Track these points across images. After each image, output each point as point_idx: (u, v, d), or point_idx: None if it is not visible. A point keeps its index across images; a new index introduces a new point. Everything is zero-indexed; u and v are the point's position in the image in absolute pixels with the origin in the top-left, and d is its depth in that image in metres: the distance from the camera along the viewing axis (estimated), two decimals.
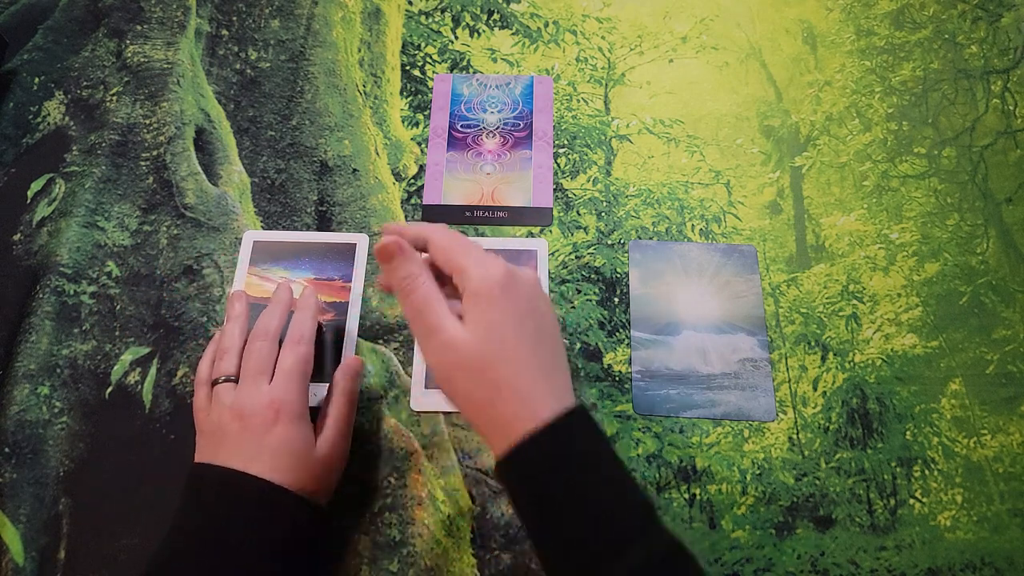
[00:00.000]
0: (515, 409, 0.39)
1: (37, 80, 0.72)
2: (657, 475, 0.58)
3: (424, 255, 0.44)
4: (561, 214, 0.68)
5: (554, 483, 0.38)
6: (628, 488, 0.39)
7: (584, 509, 0.37)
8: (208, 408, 0.48)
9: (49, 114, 0.70)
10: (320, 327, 0.60)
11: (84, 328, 0.61)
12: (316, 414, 0.51)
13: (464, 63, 0.76)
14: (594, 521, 0.37)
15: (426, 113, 0.73)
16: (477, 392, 0.40)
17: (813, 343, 0.63)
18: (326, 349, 0.60)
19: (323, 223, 0.67)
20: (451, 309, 0.41)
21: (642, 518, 0.38)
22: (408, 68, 0.76)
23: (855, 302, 0.65)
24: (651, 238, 0.67)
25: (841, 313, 0.64)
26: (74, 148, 0.69)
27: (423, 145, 0.71)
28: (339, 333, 0.60)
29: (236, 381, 0.49)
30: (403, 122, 0.73)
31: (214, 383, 0.49)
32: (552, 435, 0.38)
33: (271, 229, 0.66)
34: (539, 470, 0.38)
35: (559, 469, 0.38)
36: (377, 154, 0.71)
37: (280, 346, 0.50)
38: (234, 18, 0.77)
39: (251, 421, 0.46)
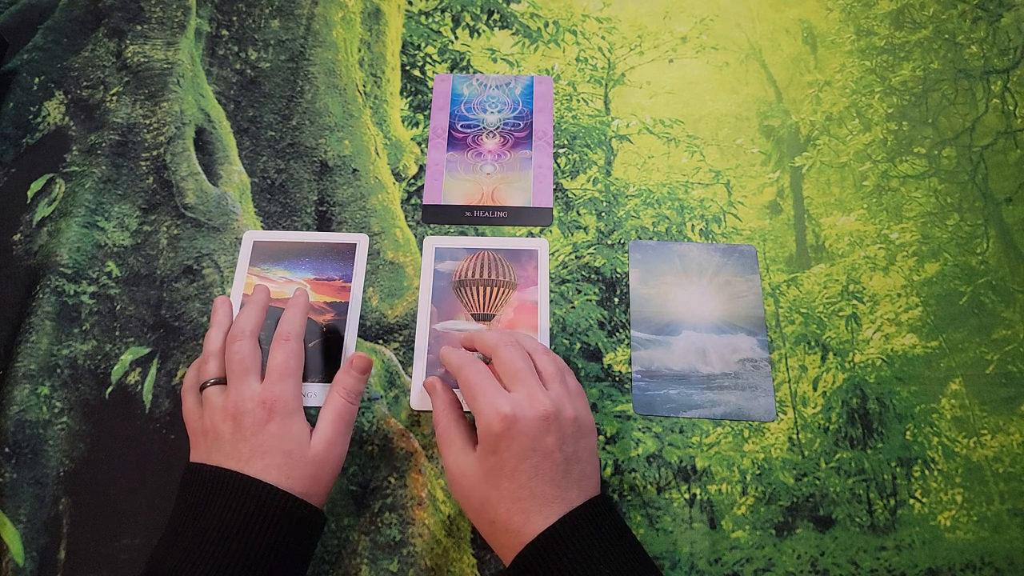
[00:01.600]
0: (510, 542, 0.43)
1: (37, 80, 0.72)
2: (657, 475, 0.58)
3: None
4: (561, 214, 0.68)
5: None
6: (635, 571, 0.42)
7: None
8: (199, 412, 0.48)
9: (49, 114, 0.70)
10: (321, 327, 0.60)
11: (84, 328, 0.61)
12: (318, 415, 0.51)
13: (464, 63, 0.76)
14: None
15: (426, 113, 0.73)
16: (479, 521, 0.46)
17: (813, 343, 0.63)
18: (327, 349, 0.60)
19: (323, 223, 0.67)
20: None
21: None
22: (408, 68, 0.76)
23: (855, 302, 0.65)
24: (651, 238, 0.67)
25: (841, 313, 0.64)
26: (74, 148, 0.69)
27: (423, 145, 0.71)
28: (339, 333, 0.60)
29: (223, 383, 0.49)
30: (403, 122, 0.73)
31: (202, 388, 0.49)
32: (536, 552, 0.42)
33: (271, 229, 0.66)
34: (538, 571, 0.42)
35: (557, 566, 0.41)
36: (377, 154, 0.71)
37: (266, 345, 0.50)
38: (234, 18, 0.77)
39: (244, 420, 0.46)
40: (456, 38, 0.78)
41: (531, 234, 0.67)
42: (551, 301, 0.63)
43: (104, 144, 0.68)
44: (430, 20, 0.79)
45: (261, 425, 0.46)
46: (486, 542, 0.47)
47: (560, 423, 0.45)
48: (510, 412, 0.44)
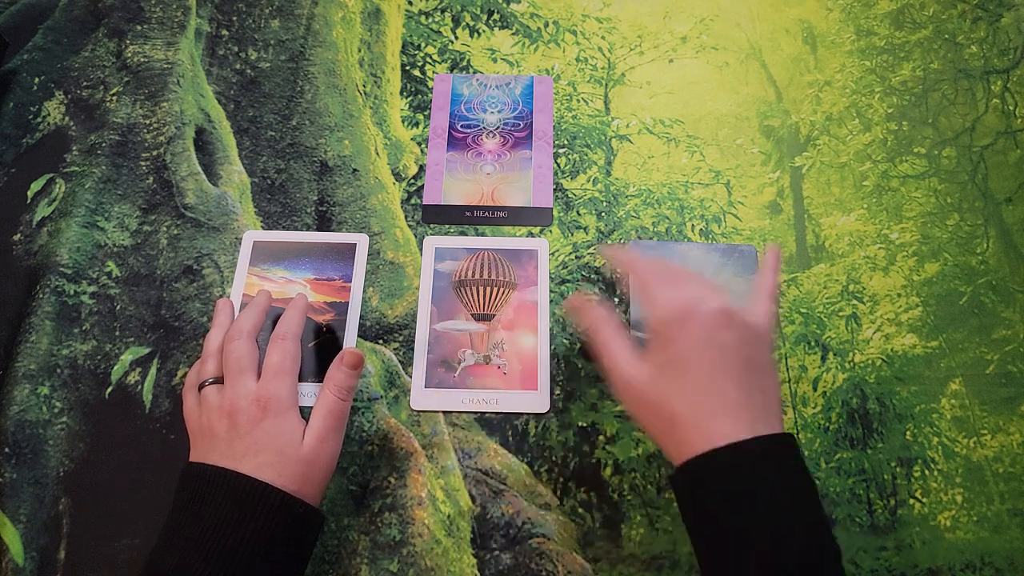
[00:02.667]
0: (691, 438, 0.41)
1: (37, 80, 0.72)
2: (657, 475, 0.58)
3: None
4: (561, 214, 0.68)
5: (717, 503, 0.40)
6: (802, 526, 0.39)
7: (747, 535, 0.38)
8: (198, 411, 0.48)
9: (49, 114, 0.70)
10: (321, 327, 0.60)
11: (84, 328, 0.61)
12: None
13: (464, 63, 0.76)
14: (758, 549, 0.38)
15: (426, 113, 0.73)
16: (655, 423, 0.44)
17: (813, 343, 0.63)
18: (326, 350, 0.60)
19: (323, 223, 0.67)
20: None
21: (819, 560, 0.38)
22: (408, 68, 0.76)
23: (855, 302, 0.65)
24: (651, 238, 0.67)
25: (841, 313, 0.64)
26: (74, 148, 0.69)
27: (423, 145, 0.71)
28: (339, 333, 0.60)
29: (222, 383, 0.49)
30: (403, 122, 0.73)
31: (200, 387, 0.49)
32: (721, 457, 0.39)
33: (271, 229, 0.66)
34: (708, 487, 0.40)
35: (727, 490, 0.39)
36: (377, 154, 0.71)
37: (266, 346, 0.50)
38: (234, 18, 0.77)
39: (239, 418, 0.46)
40: (456, 38, 0.78)
41: (531, 234, 0.67)
42: (551, 301, 0.63)
43: (104, 144, 0.68)
44: (430, 20, 0.79)
45: (255, 423, 0.46)
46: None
47: (737, 323, 0.44)
48: (686, 302, 0.43)
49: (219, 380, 0.49)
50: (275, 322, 0.52)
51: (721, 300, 0.44)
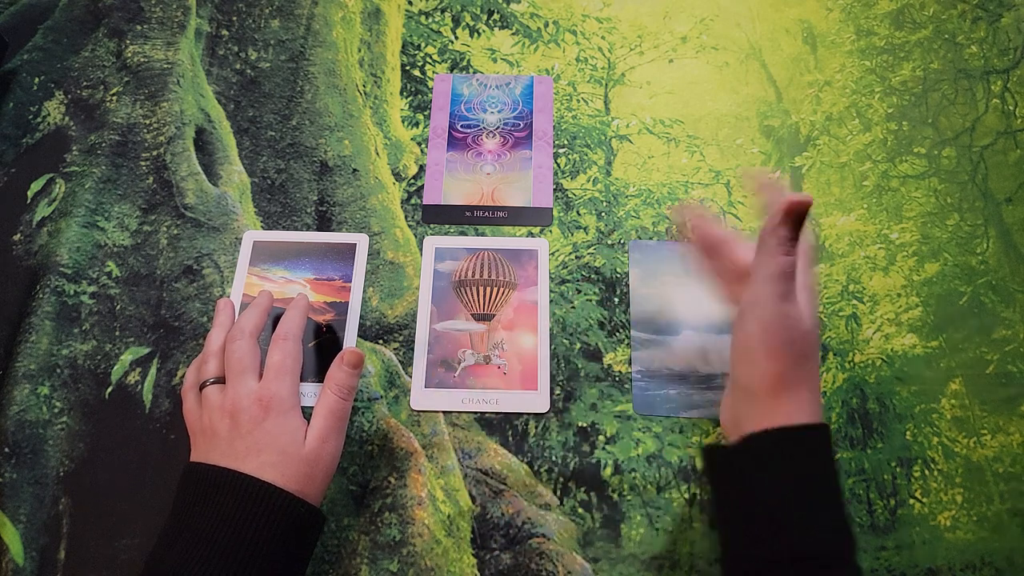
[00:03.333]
0: (806, 396, 0.43)
1: (37, 80, 0.72)
2: (657, 475, 0.58)
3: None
4: (561, 214, 0.68)
5: (782, 477, 0.42)
6: (837, 517, 0.42)
7: (790, 516, 0.41)
8: (198, 411, 0.48)
9: (49, 114, 0.70)
10: (322, 327, 0.60)
11: (84, 328, 0.61)
12: None
13: (464, 63, 0.76)
14: (799, 532, 0.41)
15: (426, 113, 0.73)
16: (791, 371, 0.44)
17: None
18: (326, 349, 0.60)
19: (323, 223, 0.67)
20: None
21: (841, 550, 0.41)
22: (408, 68, 0.76)
23: (855, 302, 0.65)
24: (651, 238, 0.67)
25: (841, 313, 0.64)
26: (74, 148, 0.69)
27: (423, 145, 0.71)
28: (338, 333, 0.60)
29: (223, 382, 0.49)
30: (403, 122, 0.73)
31: (201, 387, 0.49)
32: (810, 436, 0.43)
33: (271, 229, 0.66)
34: (782, 459, 0.42)
35: (793, 468, 0.42)
36: (377, 154, 0.71)
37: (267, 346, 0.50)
38: (234, 18, 0.77)
39: (241, 418, 0.46)
40: (456, 38, 0.78)
41: (531, 234, 0.67)
42: (551, 301, 0.63)
43: (104, 144, 0.68)
44: (430, 20, 0.79)
45: (257, 423, 0.46)
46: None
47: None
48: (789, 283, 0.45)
49: (220, 380, 0.49)
50: (276, 322, 0.52)
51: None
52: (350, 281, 0.63)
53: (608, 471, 0.58)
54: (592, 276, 0.66)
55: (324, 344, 0.60)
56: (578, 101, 0.75)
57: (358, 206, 0.68)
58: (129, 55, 0.73)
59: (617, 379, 0.61)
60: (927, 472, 0.58)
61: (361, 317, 0.62)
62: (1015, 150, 0.72)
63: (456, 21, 0.79)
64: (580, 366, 0.62)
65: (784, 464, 0.42)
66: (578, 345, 0.63)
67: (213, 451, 0.46)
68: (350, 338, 0.60)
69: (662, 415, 0.59)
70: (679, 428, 0.59)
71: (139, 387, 0.59)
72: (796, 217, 0.43)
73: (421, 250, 0.65)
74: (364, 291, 0.63)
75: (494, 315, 0.62)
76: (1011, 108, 0.74)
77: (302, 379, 0.50)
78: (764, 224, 0.45)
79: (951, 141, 0.72)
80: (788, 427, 0.43)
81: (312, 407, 0.49)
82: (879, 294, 0.65)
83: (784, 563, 0.40)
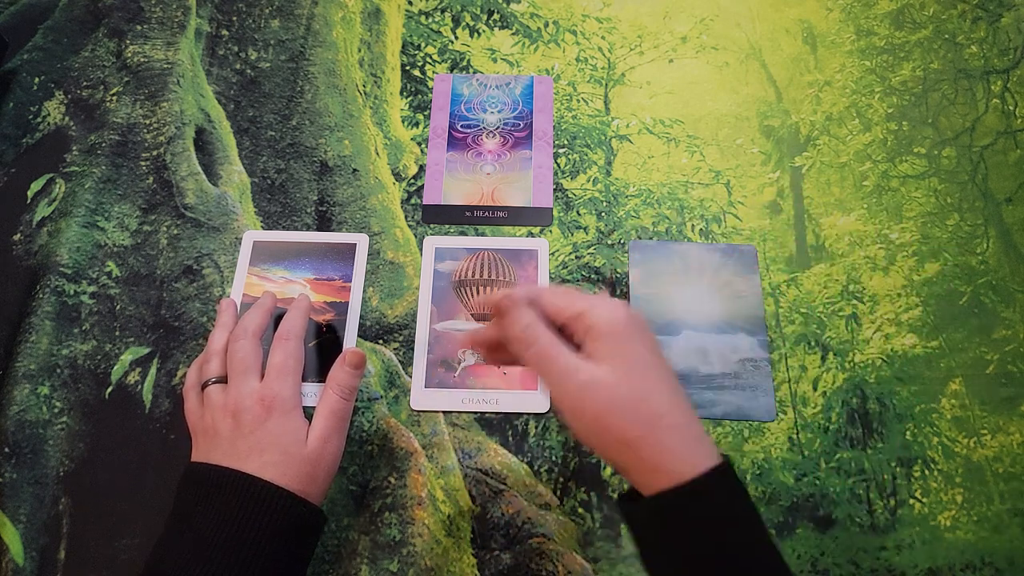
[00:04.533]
0: (672, 445, 0.38)
1: (37, 80, 0.72)
2: None
3: None
4: (561, 214, 0.68)
5: (690, 540, 0.37)
6: (762, 558, 0.38)
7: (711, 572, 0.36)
8: (200, 411, 0.48)
9: (49, 114, 0.70)
10: (322, 327, 0.60)
11: (84, 328, 0.61)
12: None
13: (464, 63, 0.76)
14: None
15: (426, 113, 0.73)
16: (632, 429, 0.38)
17: (813, 343, 0.63)
18: (326, 349, 0.60)
19: (323, 223, 0.67)
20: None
21: None
22: (408, 68, 0.76)
23: (855, 302, 0.65)
24: (651, 238, 0.67)
25: (841, 313, 0.64)
26: (74, 148, 0.69)
27: (423, 145, 0.71)
28: (338, 333, 0.60)
29: (225, 382, 0.49)
30: (403, 122, 0.73)
31: (203, 386, 0.49)
32: (695, 492, 0.37)
33: (271, 229, 0.66)
34: (678, 523, 0.37)
35: (698, 528, 0.37)
36: (377, 154, 0.71)
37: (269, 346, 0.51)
38: (234, 18, 0.77)
39: (243, 418, 0.46)
40: (456, 38, 0.78)
41: (531, 234, 0.67)
42: None
43: (104, 144, 0.68)
44: (430, 20, 0.79)
45: (259, 423, 0.46)
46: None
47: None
48: (626, 306, 0.41)
49: (222, 379, 0.49)
50: (278, 323, 0.52)
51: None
52: (350, 281, 0.63)
53: (608, 471, 0.58)
54: (592, 276, 0.66)
55: (324, 344, 0.60)
56: (578, 101, 0.75)
57: (358, 206, 0.68)
58: (129, 55, 0.73)
59: None
60: (927, 472, 0.58)
61: (361, 317, 0.62)
62: (1015, 150, 0.72)
63: (456, 21, 0.79)
64: None
65: (699, 523, 0.37)
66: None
67: (215, 451, 0.46)
68: (350, 338, 0.60)
69: None
70: None
71: (139, 387, 0.59)
72: (501, 311, 0.42)
73: (421, 250, 0.65)
74: (364, 291, 0.63)
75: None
76: (1011, 108, 0.74)
77: (303, 379, 0.50)
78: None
79: (951, 141, 0.72)
80: (684, 484, 0.37)
81: (313, 407, 0.49)
82: (879, 294, 0.65)
83: None
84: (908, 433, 0.59)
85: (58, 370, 0.59)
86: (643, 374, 0.39)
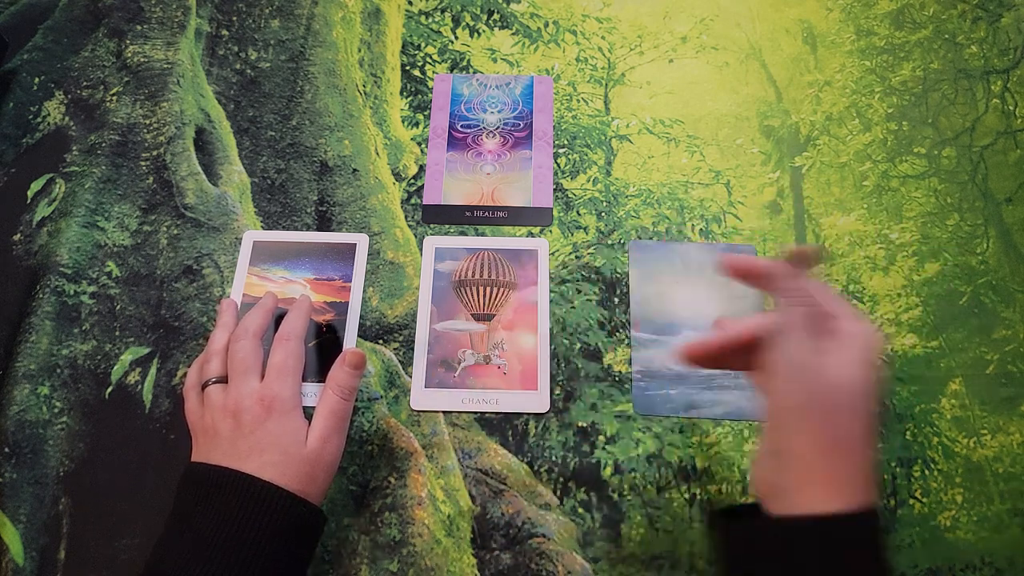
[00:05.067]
0: (853, 471, 0.37)
1: (37, 80, 0.72)
2: (657, 475, 0.58)
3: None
4: (561, 214, 0.68)
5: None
6: None
7: None
8: (200, 411, 0.48)
9: (49, 114, 0.70)
10: (322, 327, 0.60)
11: (84, 328, 0.61)
12: None
13: (464, 63, 0.76)
14: None
15: (426, 113, 0.73)
16: (834, 433, 0.38)
17: None
18: (326, 349, 0.60)
19: (323, 223, 0.67)
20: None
21: None
22: (408, 68, 0.76)
23: (855, 302, 0.65)
24: (651, 238, 0.67)
25: None
26: (74, 148, 0.69)
27: (423, 145, 0.71)
28: (338, 333, 0.60)
29: (225, 382, 0.49)
30: (403, 122, 0.73)
31: (204, 386, 0.49)
32: (853, 526, 0.36)
33: (271, 229, 0.66)
34: (817, 554, 0.36)
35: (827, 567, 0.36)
36: (377, 154, 0.71)
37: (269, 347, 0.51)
38: (234, 18, 0.77)
39: (243, 418, 0.46)
40: (456, 38, 0.78)
41: (531, 234, 0.67)
42: (551, 301, 0.63)
43: (104, 144, 0.68)
44: (430, 20, 0.79)
45: (259, 423, 0.46)
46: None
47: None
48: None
49: (223, 379, 0.49)
50: (278, 323, 0.52)
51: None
52: (350, 281, 0.63)
53: (608, 471, 0.58)
54: (592, 276, 0.66)
55: (325, 344, 0.60)
56: (578, 101, 0.75)
57: (358, 206, 0.68)
58: (129, 55, 0.73)
59: (617, 379, 0.61)
60: (927, 472, 0.58)
61: (361, 317, 0.62)
62: (1015, 150, 0.72)
63: (456, 21, 0.79)
64: (580, 366, 0.62)
65: (818, 560, 0.36)
66: (578, 345, 0.63)
67: (215, 451, 0.46)
68: (350, 338, 0.60)
69: (662, 415, 0.59)
70: (679, 428, 0.59)
71: (139, 387, 0.59)
72: (801, 261, 0.41)
73: (421, 250, 0.65)
74: (364, 291, 0.63)
75: (494, 315, 0.62)
76: (1011, 108, 0.74)
77: (303, 379, 0.50)
78: (776, 282, 0.42)
79: (951, 141, 0.72)
80: (826, 516, 0.36)
81: (313, 407, 0.49)
82: (879, 294, 0.65)
83: None
84: (908, 433, 0.59)
85: (58, 370, 0.59)
86: (867, 391, 0.38)
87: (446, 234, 0.66)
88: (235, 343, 0.50)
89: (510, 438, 0.59)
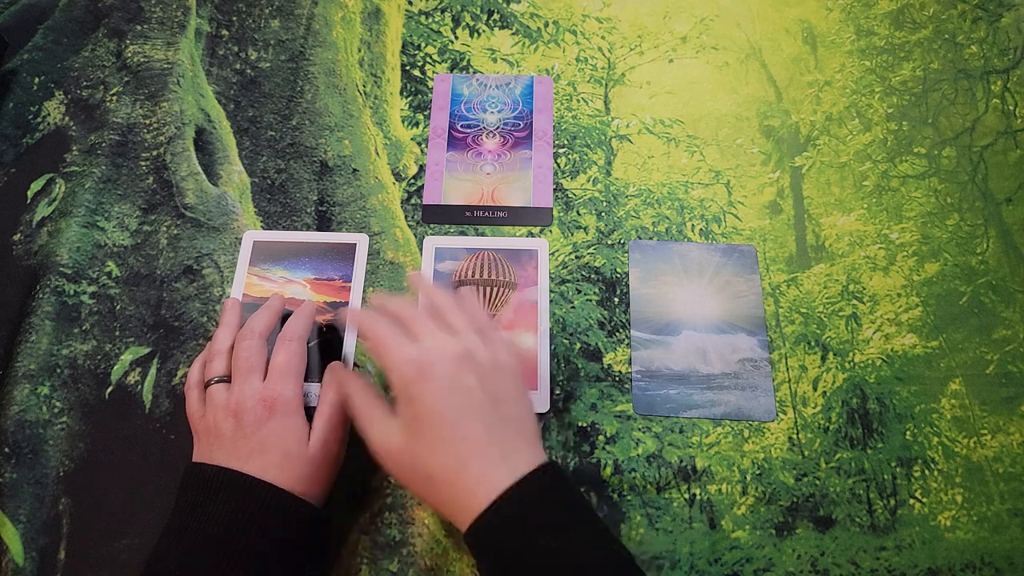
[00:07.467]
0: (455, 496, 0.41)
1: (37, 80, 0.72)
2: (657, 475, 0.58)
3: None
4: (561, 214, 0.68)
5: (512, 555, 0.39)
6: (592, 549, 0.40)
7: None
8: (202, 410, 0.48)
9: (49, 114, 0.70)
10: (322, 327, 0.60)
11: (84, 328, 0.61)
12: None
13: (464, 63, 0.76)
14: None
15: (426, 113, 0.73)
16: (417, 484, 0.43)
17: (813, 343, 0.63)
18: (327, 349, 0.60)
19: (323, 223, 0.67)
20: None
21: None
22: (408, 68, 0.76)
23: (855, 302, 0.65)
24: (651, 238, 0.67)
25: (841, 313, 0.64)
26: (74, 148, 0.69)
27: (423, 145, 0.71)
28: (339, 333, 0.60)
29: (228, 382, 0.49)
30: (403, 122, 0.73)
31: (206, 385, 0.49)
32: (498, 513, 0.39)
33: (271, 229, 0.66)
34: (495, 544, 0.40)
35: (514, 542, 0.39)
36: (377, 154, 0.71)
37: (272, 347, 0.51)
38: (234, 18, 0.77)
39: (245, 418, 0.46)
40: (456, 38, 0.78)
41: (531, 234, 0.67)
42: (551, 301, 0.63)
43: (104, 144, 0.68)
44: (430, 20, 0.79)
45: (261, 423, 0.46)
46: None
47: (476, 362, 0.44)
48: (419, 355, 0.43)
49: (225, 379, 0.49)
50: (281, 324, 0.52)
51: (455, 346, 0.44)
52: (350, 281, 0.63)
53: (608, 471, 0.58)
54: (592, 276, 0.66)
55: (325, 344, 0.60)
56: (578, 101, 0.75)
57: (358, 206, 0.68)
58: (129, 55, 0.73)
59: (617, 379, 0.61)
60: (927, 472, 0.58)
61: None
62: (1015, 150, 0.72)
63: (456, 21, 0.79)
64: (580, 366, 0.62)
65: (522, 531, 0.39)
66: (578, 345, 0.63)
67: (216, 451, 0.46)
68: (350, 338, 0.60)
69: (662, 415, 0.59)
70: (679, 428, 0.59)
71: (139, 387, 0.59)
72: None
73: (421, 250, 0.65)
74: (364, 291, 0.63)
75: (494, 315, 0.62)
76: (1011, 108, 0.74)
77: (304, 379, 0.50)
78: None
79: (951, 141, 0.72)
80: (511, 489, 0.39)
81: (313, 407, 0.49)
82: (879, 294, 0.65)
83: None
84: (908, 433, 0.59)
85: (58, 370, 0.59)
86: (419, 432, 0.42)
87: (446, 234, 0.66)
88: (241, 342, 0.50)
89: None
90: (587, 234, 0.68)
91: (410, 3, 0.79)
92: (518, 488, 0.39)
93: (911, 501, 0.57)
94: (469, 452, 0.41)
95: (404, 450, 0.43)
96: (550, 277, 0.65)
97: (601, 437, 0.59)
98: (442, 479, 0.41)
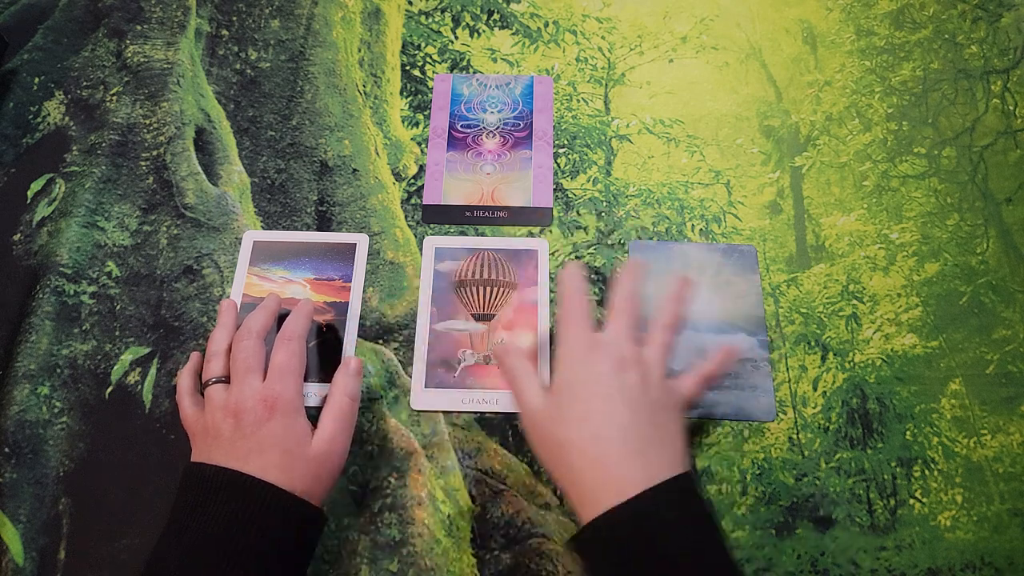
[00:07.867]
0: (582, 484, 0.42)
1: (37, 80, 0.72)
2: None
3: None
4: (561, 214, 0.68)
5: (629, 557, 0.39)
6: (709, 567, 0.39)
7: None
8: (198, 413, 0.48)
9: (49, 114, 0.70)
10: (322, 327, 0.60)
11: (84, 328, 0.61)
12: (318, 415, 0.51)
13: (464, 63, 0.76)
14: None
15: (426, 113, 0.73)
16: (550, 461, 0.44)
17: (813, 343, 0.63)
18: (326, 349, 0.60)
19: (323, 223, 0.67)
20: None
21: None
22: (408, 68, 0.76)
23: (855, 302, 0.65)
24: (651, 238, 0.67)
25: (841, 313, 0.64)
26: (74, 148, 0.69)
27: (423, 145, 0.71)
28: (339, 333, 0.60)
29: (226, 382, 0.49)
30: (403, 122, 0.73)
31: (204, 386, 0.49)
32: (626, 512, 0.39)
33: (271, 229, 0.66)
34: (616, 543, 0.40)
35: (637, 543, 0.39)
36: (377, 154, 0.71)
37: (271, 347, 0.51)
38: (234, 18, 0.77)
39: (245, 418, 0.46)
40: (456, 38, 0.78)
41: (531, 234, 0.67)
42: (551, 301, 0.63)
43: (104, 144, 0.68)
44: (430, 20, 0.79)
45: (261, 423, 0.46)
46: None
47: (646, 368, 0.45)
48: (595, 336, 0.45)
49: (223, 380, 0.49)
50: (280, 324, 0.52)
51: (636, 347, 0.45)
52: (350, 281, 0.63)
53: None
54: (592, 276, 0.66)
55: (324, 344, 0.60)
56: (578, 101, 0.75)
57: (358, 206, 0.68)
58: (129, 55, 0.73)
59: None
60: (927, 472, 0.58)
61: (361, 317, 0.62)
62: (1015, 150, 0.71)
63: (456, 21, 0.79)
64: None
65: (660, 527, 0.39)
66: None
67: (216, 451, 0.46)
68: (350, 338, 0.60)
69: None
70: None
71: (139, 387, 0.59)
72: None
73: (421, 250, 0.65)
74: (364, 291, 0.63)
75: (494, 315, 0.62)
76: (1011, 108, 0.74)
77: (304, 379, 0.50)
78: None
79: (951, 141, 0.72)
80: (646, 492, 0.40)
81: (312, 407, 0.49)
82: (879, 294, 0.65)
83: None
84: (908, 433, 0.59)
85: (58, 370, 0.59)
86: (568, 400, 0.44)
87: (446, 234, 0.66)
88: (238, 343, 0.50)
89: (510, 438, 0.59)
90: (587, 234, 0.68)
91: (410, 3, 0.79)
92: (652, 492, 0.40)
93: (911, 501, 0.57)
94: (611, 443, 0.42)
95: (547, 412, 0.44)
96: (550, 277, 0.65)
97: None
98: (578, 463, 0.42)
